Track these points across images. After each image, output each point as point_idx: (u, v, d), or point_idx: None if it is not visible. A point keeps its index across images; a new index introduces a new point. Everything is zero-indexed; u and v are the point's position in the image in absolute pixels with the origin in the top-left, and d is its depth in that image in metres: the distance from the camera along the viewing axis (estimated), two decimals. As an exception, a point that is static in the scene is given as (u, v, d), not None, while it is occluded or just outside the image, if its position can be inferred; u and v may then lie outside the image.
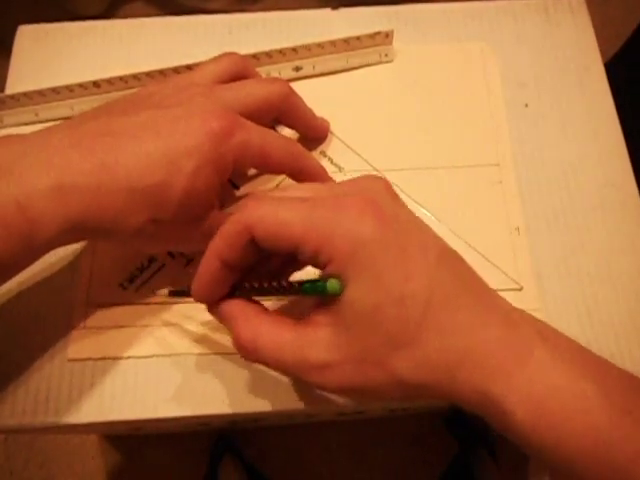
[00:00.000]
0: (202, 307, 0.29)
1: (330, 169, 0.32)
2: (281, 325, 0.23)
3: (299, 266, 0.26)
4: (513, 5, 0.38)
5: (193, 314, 0.29)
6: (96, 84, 0.33)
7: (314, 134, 0.33)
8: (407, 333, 0.21)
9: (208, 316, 0.29)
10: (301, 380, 0.23)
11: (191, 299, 0.25)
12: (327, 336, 0.22)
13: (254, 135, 0.26)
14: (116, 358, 0.29)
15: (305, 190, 0.24)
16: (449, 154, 0.33)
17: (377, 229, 0.21)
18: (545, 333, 0.22)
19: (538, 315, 0.29)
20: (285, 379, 0.28)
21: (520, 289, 0.30)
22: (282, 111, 0.30)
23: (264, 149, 0.27)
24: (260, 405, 0.28)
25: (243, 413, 0.28)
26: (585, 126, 0.34)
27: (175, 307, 0.29)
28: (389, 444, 0.81)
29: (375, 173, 0.33)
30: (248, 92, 0.28)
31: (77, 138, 0.24)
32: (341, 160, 0.33)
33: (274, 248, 0.22)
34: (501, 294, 0.29)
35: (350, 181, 0.24)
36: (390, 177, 0.32)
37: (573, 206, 0.32)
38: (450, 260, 0.22)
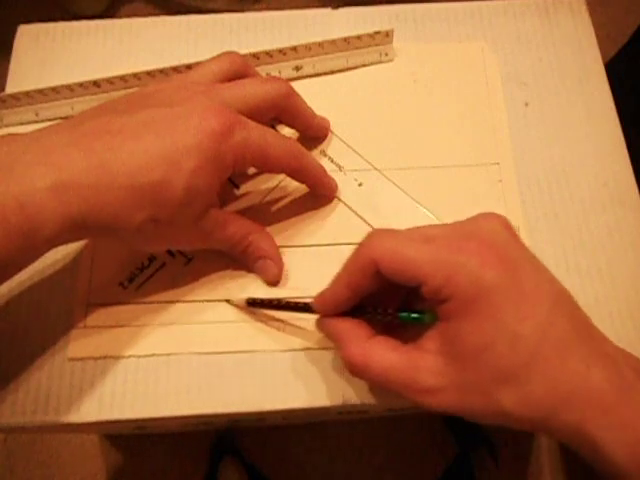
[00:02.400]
0: (202, 306, 0.29)
1: (330, 168, 0.32)
2: (392, 348, 0.24)
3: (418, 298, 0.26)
4: (513, 5, 0.38)
5: (193, 314, 0.29)
6: (96, 83, 0.33)
7: (314, 133, 0.33)
8: (516, 370, 0.22)
9: (208, 316, 0.29)
10: (409, 399, 0.24)
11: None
12: (435, 364, 0.23)
13: (254, 134, 0.26)
14: (116, 357, 0.29)
15: (428, 229, 0.25)
16: (449, 153, 0.33)
17: (498, 275, 0.22)
18: None
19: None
20: (285, 378, 0.28)
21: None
22: (282, 110, 0.30)
23: (264, 148, 0.27)
24: (260, 405, 0.28)
25: (243, 413, 0.28)
26: (585, 125, 0.34)
27: (175, 306, 0.29)
28: (389, 444, 0.80)
29: (375, 172, 0.33)
30: (248, 91, 0.28)
31: (77, 137, 0.24)
32: (341, 159, 0.33)
33: (397, 280, 0.24)
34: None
35: (470, 222, 0.25)
36: (390, 176, 0.32)
37: (573, 205, 0.32)
38: (565, 304, 0.23)
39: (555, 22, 0.37)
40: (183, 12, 0.37)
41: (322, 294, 0.26)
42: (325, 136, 0.34)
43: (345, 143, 0.33)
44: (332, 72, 0.35)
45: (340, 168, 0.33)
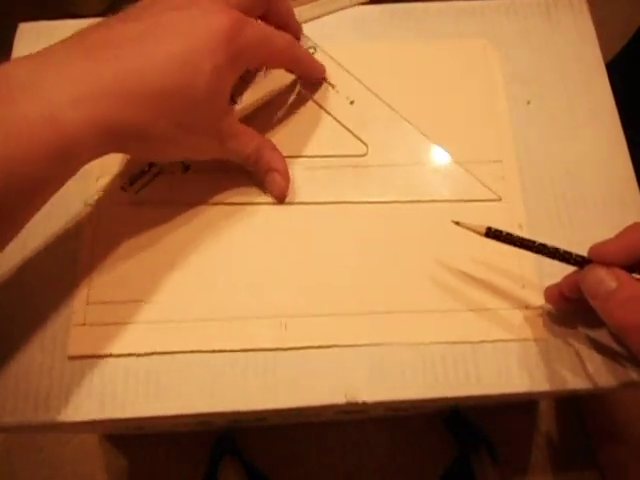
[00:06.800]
0: (203, 302, 0.29)
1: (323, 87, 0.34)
2: None
3: None
4: (515, 3, 0.38)
5: (193, 311, 0.29)
6: None
7: (293, 30, 0.34)
8: None
9: (208, 313, 0.29)
10: None
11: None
12: None
13: (261, 29, 0.28)
14: (116, 355, 0.28)
15: None
16: (452, 150, 0.33)
17: None
18: None
19: (540, 313, 0.29)
20: (286, 377, 0.28)
21: (523, 287, 0.30)
22: (268, 6, 0.30)
23: (270, 41, 0.28)
24: (261, 403, 0.28)
25: (244, 411, 0.28)
26: (586, 123, 0.34)
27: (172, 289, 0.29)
28: (389, 444, 0.80)
29: (367, 92, 0.34)
30: None
31: (93, 46, 0.24)
32: (333, 79, 0.35)
33: None
34: (504, 292, 0.30)
35: None
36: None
37: (575, 203, 0.32)
38: None
39: (556, 20, 0.37)
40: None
41: (605, 243, 0.26)
42: (299, 36, 0.35)
43: (340, 65, 0.35)
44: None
45: (333, 87, 0.34)
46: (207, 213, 0.31)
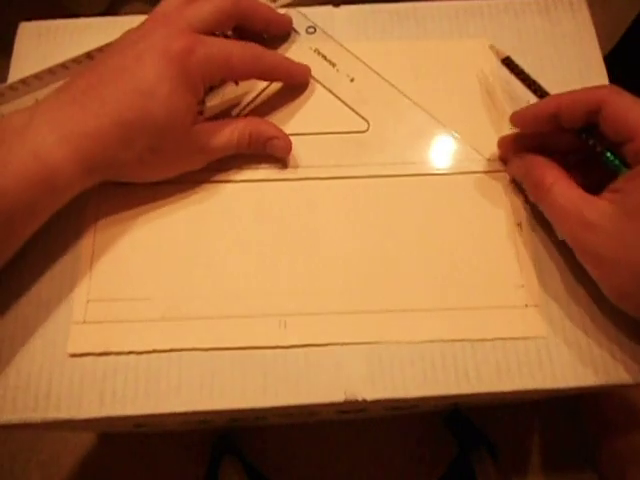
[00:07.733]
0: (202, 300, 0.29)
1: (323, 65, 0.35)
2: (574, 184, 0.27)
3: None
4: (514, 3, 0.38)
5: (193, 309, 0.29)
6: (90, 56, 0.34)
7: (278, 27, 0.35)
8: None
9: (208, 311, 0.29)
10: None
11: None
12: (605, 207, 0.25)
13: (214, 47, 0.29)
14: (116, 353, 0.28)
15: None
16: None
17: None
18: None
19: (539, 311, 0.29)
20: (286, 375, 0.28)
21: (522, 285, 0.30)
22: (240, 17, 0.31)
23: (227, 58, 0.29)
24: (260, 401, 0.28)
25: (244, 409, 0.28)
26: (586, 122, 0.34)
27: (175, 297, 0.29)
28: (390, 444, 0.80)
29: (367, 70, 0.35)
30: (202, 10, 0.30)
31: (71, 96, 0.27)
32: (334, 57, 0.35)
33: (608, 129, 0.26)
34: (503, 290, 0.30)
35: None
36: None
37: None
38: None
39: (556, 20, 0.37)
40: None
41: (526, 108, 0.30)
42: (289, 28, 0.35)
43: (339, 44, 0.35)
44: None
45: (333, 65, 0.35)
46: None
